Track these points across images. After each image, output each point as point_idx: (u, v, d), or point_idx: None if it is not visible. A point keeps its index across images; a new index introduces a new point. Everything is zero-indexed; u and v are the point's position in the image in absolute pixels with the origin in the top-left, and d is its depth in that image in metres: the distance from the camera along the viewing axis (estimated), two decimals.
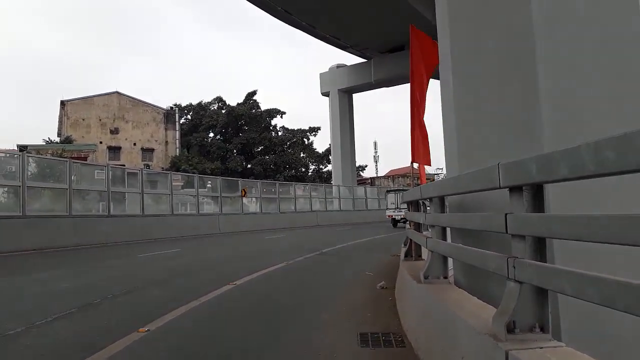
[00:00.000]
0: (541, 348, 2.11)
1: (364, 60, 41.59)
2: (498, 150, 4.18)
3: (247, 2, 30.82)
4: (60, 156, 27.68)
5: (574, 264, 2.02)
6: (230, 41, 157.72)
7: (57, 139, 49.31)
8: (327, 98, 44.29)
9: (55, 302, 6.20)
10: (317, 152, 57.01)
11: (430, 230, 4.86)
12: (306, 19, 33.71)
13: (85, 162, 27.18)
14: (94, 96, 52.23)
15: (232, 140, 54.20)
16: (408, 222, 7.01)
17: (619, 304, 1.56)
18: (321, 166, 57.10)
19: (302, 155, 56.45)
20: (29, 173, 14.72)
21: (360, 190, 39.03)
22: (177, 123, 55.18)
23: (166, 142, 54.10)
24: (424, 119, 7.97)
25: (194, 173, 30.27)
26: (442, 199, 4.30)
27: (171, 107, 56.33)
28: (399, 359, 3.97)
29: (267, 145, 54.76)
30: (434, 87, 7.63)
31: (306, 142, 57.13)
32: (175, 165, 47.92)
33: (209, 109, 56.76)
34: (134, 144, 52.81)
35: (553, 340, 2.22)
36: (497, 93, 4.48)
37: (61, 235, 14.61)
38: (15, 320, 5.16)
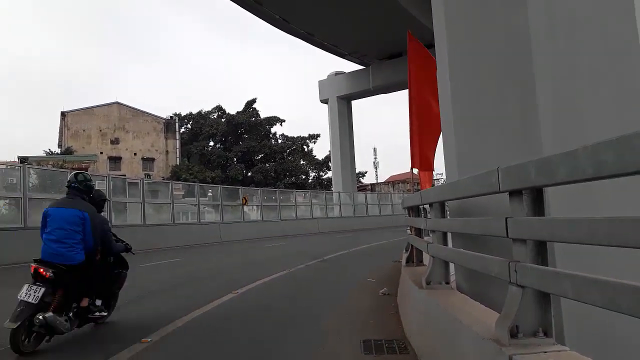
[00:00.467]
0: (545, 352, 2.10)
1: (363, 67, 41.74)
2: (497, 154, 4.18)
3: (246, 11, 31.01)
4: (61, 167, 27.74)
5: (576, 267, 2.01)
6: (229, 50, 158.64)
7: (58, 150, 49.39)
8: (327, 105, 44.39)
9: None
10: (317, 159, 57.02)
11: (431, 235, 4.86)
12: (304, 27, 33.85)
13: None
14: (94, 107, 52.38)
15: (233, 149, 54.28)
16: (409, 228, 7.00)
17: (622, 306, 1.55)
18: (321, 173, 57.10)
19: (302, 162, 56.45)
20: (30, 184, 14.72)
21: (360, 197, 38.95)
22: (177, 132, 55.30)
23: (166, 151, 54.19)
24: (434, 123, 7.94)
25: (194, 182, 30.27)
26: (442, 204, 4.30)
27: (171, 117, 56.47)
28: None
29: (267, 153, 54.80)
30: None
31: (306, 150, 57.16)
32: (176, 175, 47.94)
33: (209, 118, 56.87)
34: (135, 154, 52.89)
35: (557, 344, 2.21)
36: (495, 97, 4.49)
37: None
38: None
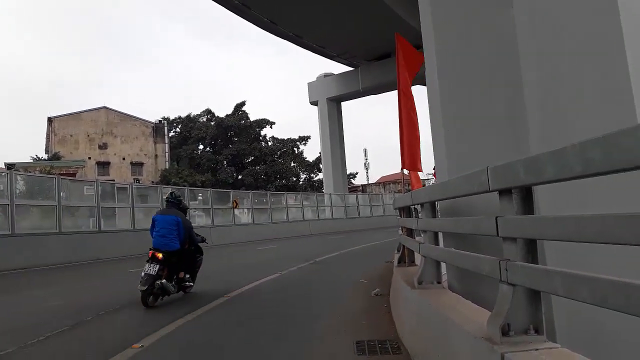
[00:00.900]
0: (536, 350, 2.11)
1: (352, 68, 41.83)
2: (486, 153, 4.20)
3: (233, 14, 30.94)
4: (49, 173, 27.42)
5: (566, 265, 2.03)
6: (217, 53, 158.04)
7: (45, 156, 48.82)
8: (316, 107, 44.41)
9: (47, 320, 6.09)
10: (308, 161, 56.96)
11: (422, 235, 4.87)
12: (293, 29, 33.87)
13: (74, 178, 26.95)
14: (81, 112, 51.80)
15: (222, 152, 54.03)
16: (400, 228, 7.02)
17: (611, 303, 1.56)
18: (312, 175, 57.03)
19: (292, 164, 56.36)
20: (18, 191, 14.53)
21: (352, 198, 38.98)
22: (166, 136, 54.87)
23: (155, 155, 53.75)
24: (418, 123, 7.98)
25: (184, 186, 30.09)
26: (433, 204, 4.31)
27: (160, 121, 56.00)
28: None
29: (257, 156, 54.62)
30: (421, 93, 7.69)
31: (296, 152, 57.10)
32: (165, 179, 47.56)
33: (198, 121, 56.55)
34: (123, 159, 52.40)
35: (548, 341, 2.22)
36: (483, 96, 4.51)
37: (51, 252, 14.38)
38: (7, 340, 5.07)
